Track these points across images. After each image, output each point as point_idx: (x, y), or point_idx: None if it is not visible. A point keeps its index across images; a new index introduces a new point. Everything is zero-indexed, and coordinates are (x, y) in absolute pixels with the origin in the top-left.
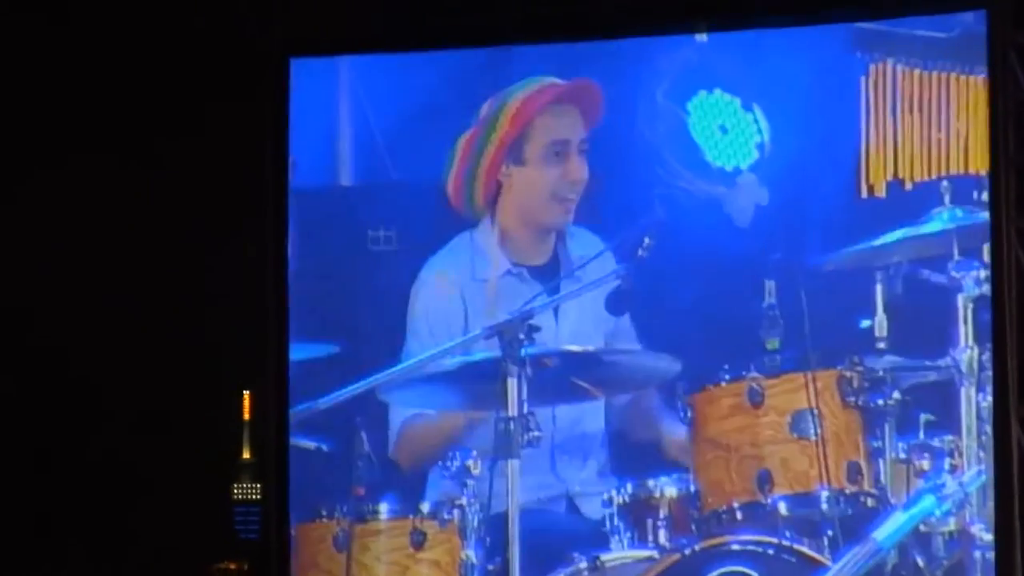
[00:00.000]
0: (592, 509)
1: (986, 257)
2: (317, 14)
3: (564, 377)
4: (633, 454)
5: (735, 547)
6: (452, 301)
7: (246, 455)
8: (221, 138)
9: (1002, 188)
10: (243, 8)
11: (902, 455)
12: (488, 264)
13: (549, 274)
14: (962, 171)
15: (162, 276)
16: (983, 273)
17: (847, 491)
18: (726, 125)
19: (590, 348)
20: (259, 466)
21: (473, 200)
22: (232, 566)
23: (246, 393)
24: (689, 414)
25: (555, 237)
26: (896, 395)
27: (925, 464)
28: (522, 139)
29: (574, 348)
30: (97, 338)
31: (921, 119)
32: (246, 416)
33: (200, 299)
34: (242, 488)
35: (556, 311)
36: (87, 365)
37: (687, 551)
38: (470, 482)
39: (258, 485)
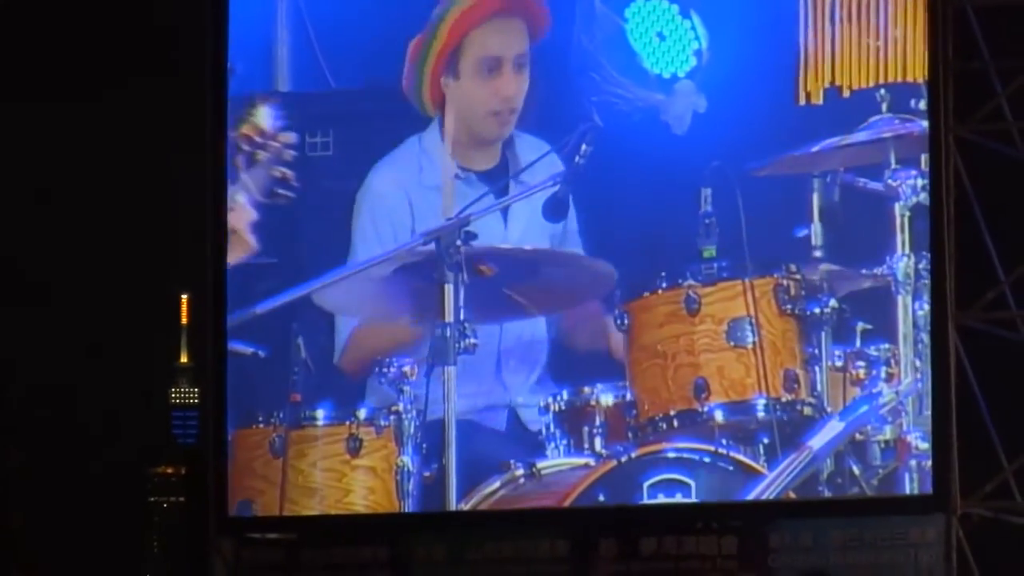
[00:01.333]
0: (531, 418)
1: (923, 165)
2: None
3: (500, 289)
4: (571, 362)
5: (671, 455)
6: (399, 205)
7: (184, 359)
8: (161, 46)
9: (941, 95)
10: None
11: (838, 363)
12: (436, 169)
13: (497, 178)
14: (899, 79)
15: (101, 182)
16: (920, 181)
17: (783, 399)
18: (664, 32)
19: (526, 247)
20: (197, 371)
21: (423, 104)
22: (170, 470)
23: (184, 297)
24: (626, 321)
25: (502, 143)
26: (833, 303)
27: (861, 373)
28: (457, 53)
29: (509, 247)
30: (35, 244)
31: (859, 26)
32: (184, 320)
33: (139, 203)
34: (180, 393)
35: (506, 215)
36: (25, 271)
37: (623, 458)
38: (407, 388)
39: (196, 390)
